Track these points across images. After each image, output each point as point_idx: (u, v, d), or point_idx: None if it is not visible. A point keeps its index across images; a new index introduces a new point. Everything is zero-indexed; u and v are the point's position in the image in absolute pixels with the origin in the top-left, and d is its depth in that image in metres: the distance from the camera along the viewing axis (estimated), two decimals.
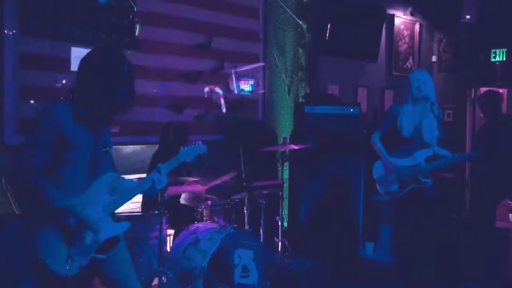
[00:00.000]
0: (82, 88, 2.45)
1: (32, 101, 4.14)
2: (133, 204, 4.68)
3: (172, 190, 4.53)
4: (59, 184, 2.40)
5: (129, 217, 4.07)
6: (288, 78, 6.37)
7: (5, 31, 3.98)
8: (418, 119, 4.19)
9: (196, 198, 4.61)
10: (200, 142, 2.92)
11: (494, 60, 7.75)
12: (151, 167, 4.39)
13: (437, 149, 4.24)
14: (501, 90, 6.92)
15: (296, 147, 4.85)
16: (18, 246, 2.44)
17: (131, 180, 2.75)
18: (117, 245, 2.58)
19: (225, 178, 4.55)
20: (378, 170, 4.41)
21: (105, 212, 2.52)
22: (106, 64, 2.44)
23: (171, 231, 4.44)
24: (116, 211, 2.62)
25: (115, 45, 2.54)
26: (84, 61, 2.48)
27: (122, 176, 2.68)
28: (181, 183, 4.37)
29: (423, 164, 4.18)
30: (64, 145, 2.40)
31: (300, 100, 6.31)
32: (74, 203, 2.40)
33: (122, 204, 2.60)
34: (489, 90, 5.97)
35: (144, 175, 4.20)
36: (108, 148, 2.60)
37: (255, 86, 5.95)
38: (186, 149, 2.84)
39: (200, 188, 4.46)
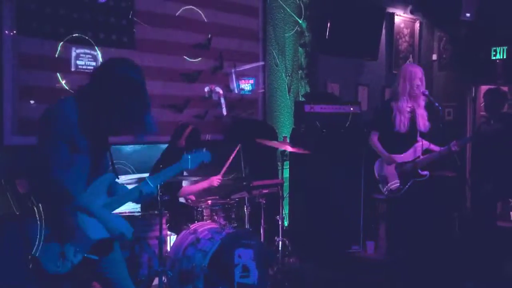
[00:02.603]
0: (96, 96, 2.43)
1: (31, 102, 4.14)
2: (134, 204, 4.68)
3: (188, 189, 4.53)
4: None
5: (129, 217, 4.08)
6: (288, 77, 6.36)
7: (5, 31, 3.98)
8: (412, 113, 4.31)
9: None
10: (205, 149, 2.89)
11: (494, 58, 7.73)
12: (158, 166, 4.36)
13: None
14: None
15: (294, 150, 4.80)
16: (17, 248, 2.43)
17: (123, 186, 2.75)
18: (110, 247, 2.58)
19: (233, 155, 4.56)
20: (378, 169, 4.46)
21: None
22: (128, 77, 2.44)
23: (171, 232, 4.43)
24: (117, 211, 2.63)
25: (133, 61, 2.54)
26: (105, 69, 2.47)
27: (122, 175, 2.68)
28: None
29: (421, 157, 4.29)
30: (71, 146, 2.39)
31: (300, 99, 6.30)
32: (88, 203, 2.41)
33: (116, 208, 2.61)
34: (496, 88, 5.95)
35: (146, 174, 4.20)
36: (109, 152, 2.61)
37: (255, 86, 5.94)
38: (189, 156, 2.80)
39: (215, 179, 4.45)
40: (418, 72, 4.29)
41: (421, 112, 4.33)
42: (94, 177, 2.52)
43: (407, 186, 4.28)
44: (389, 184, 4.36)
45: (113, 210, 2.59)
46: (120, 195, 2.62)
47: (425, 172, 4.29)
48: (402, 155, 4.33)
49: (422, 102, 4.35)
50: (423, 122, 4.32)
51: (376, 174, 4.45)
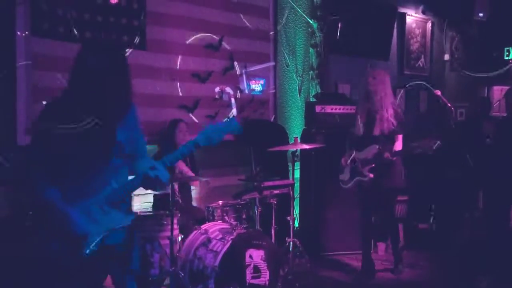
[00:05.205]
0: (77, 86, 2.41)
1: (44, 102, 4.16)
2: (145, 204, 4.70)
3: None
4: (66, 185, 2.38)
5: (141, 217, 4.09)
6: (298, 78, 6.35)
7: (18, 32, 4.02)
8: (370, 116, 4.67)
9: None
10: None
11: (507, 58, 7.67)
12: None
13: None
14: None
15: (307, 147, 4.83)
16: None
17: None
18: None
19: None
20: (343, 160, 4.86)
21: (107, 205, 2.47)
22: (100, 59, 2.40)
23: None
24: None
25: (107, 42, 2.50)
26: (77, 59, 2.43)
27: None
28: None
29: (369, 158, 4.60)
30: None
31: (311, 99, 6.29)
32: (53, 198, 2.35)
33: (122, 196, 2.50)
34: None
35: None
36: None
37: (265, 86, 5.94)
38: (212, 126, 2.51)
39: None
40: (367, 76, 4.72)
41: (380, 116, 4.53)
42: (107, 165, 2.46)
43: (352, 183, 4.72)
44: (343, 175, 4.82)
45: (119, 199, 2.50)
46: (123, 183, 2.54)
47: (370, 175, 4.55)
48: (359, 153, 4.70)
49: (388, 105, 4.58)
50: (380, 127, 4.54)
51: (342, 163, 4.83)
